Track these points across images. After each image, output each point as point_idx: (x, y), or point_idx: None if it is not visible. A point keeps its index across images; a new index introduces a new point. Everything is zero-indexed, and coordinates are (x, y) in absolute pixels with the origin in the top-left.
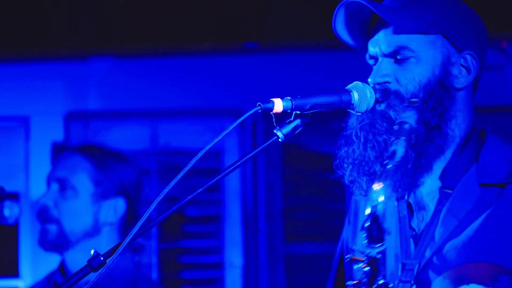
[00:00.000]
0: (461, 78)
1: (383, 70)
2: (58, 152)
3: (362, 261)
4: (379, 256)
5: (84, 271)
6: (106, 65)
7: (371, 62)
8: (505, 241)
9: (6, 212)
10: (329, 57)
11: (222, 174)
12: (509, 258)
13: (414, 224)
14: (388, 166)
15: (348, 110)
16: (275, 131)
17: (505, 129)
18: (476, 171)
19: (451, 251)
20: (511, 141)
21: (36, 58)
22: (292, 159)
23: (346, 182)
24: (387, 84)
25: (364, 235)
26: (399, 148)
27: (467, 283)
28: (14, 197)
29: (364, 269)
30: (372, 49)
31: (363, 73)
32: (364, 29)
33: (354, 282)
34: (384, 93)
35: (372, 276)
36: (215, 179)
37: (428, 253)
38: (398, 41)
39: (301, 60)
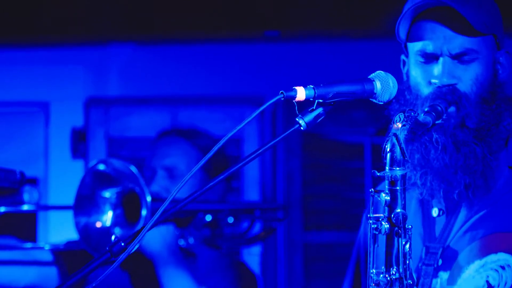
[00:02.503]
0: (501, 75)
1: (451, 71)
2: (161, 136)
3: (384, 191)
4: (399, 179)
5: (105, 256)
6: (127, 51)
7: (420, 59)
8: None
9: (26, 197)
10: (350, 46)
11: (243, 162)
12: None
13: (442, 206)
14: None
15: (370, 99)
16: (297, 119)
17: None
18: (506, 155)
19: (478, 223)
20: None
21: (57, 44)
22: (312, 148)
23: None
24: (456, 85)
25: (387, 157)
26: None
27: (495, 252)
28: (34, 182)
29: (385, 198)
30: (434, 47)
31: (385, 63)
32: (409, 22)
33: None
34: (456, 95)
35: (391, 205)
36: (235, 167)
37: (454, 229)
38: (466, 43)
39: (322, 49)
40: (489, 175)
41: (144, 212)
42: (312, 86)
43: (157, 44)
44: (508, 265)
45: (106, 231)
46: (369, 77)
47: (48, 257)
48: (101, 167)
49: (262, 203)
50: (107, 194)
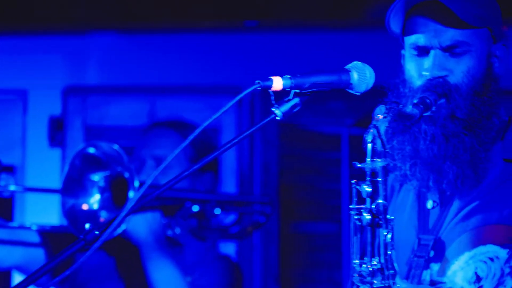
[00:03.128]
0: (497, 68)
1: (441, 63)
2: (149, 128)
3: (365, 182)
4: (380, 170)
5: (79, 244)
6: (106, 41)
7: (413, 52)
8: None
9: (2, 184)
10: (328, 36)
11: (219, 151)
12: None
13: (436, 197)
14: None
15: (347, 90)
16: (273, 109)
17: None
18: (501, 148)
19: (469, 215)
20: None
21: (36, 32)
22: (289, 139)
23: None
24: (446, 77)
25: (367, 149)
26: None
27: (484, 244)
28: (10, 170)
29: (366, 189)
30: (425, 40)
31: (363, 54)
32: (402, 16)
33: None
34: (445, 87)
35: (372, 196)
36: (211, 156)
37: (446, 221)
38: (456, 35)
39: (300, 39)
40: (480, 166)
41: (131, 196)
42: (288, 76)
43: (136, 34)
44: (497, 257)
45: (93, 214)
46: (346, 67)
47: (35, 238)
48: (91, 150)
49: (249, 197)
50: (95, 177)
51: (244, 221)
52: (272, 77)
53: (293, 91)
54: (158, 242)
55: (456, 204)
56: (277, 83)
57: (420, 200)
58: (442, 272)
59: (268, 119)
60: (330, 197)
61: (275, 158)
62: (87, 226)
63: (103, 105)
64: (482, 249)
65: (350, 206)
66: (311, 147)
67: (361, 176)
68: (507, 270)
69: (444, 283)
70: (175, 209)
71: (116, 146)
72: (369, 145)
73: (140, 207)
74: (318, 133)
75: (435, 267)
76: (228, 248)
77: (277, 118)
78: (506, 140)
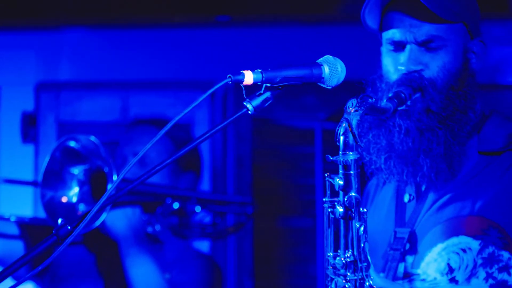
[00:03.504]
0: (474, 64)
1: (417, 58)
2: (132, 125)
3: (338, 175)
4: (352, 163)
5: (51, 240)
6: (78, 36)
7: (390, 47)
8: (496, 198)
9: None
10: (301, 31)
11: (191, 146)
12: (498, 213)
13: (412, 191)
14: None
15: (318, 83)
16: (244, 103)
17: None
18: (477, 141)
19: (442, 207)
20: None
21: (8, 28)
22: (262, 133)
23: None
24: (422, 72)
25: (340, 141)
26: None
27: (457, 235)
28: None
29: (339, 182)
30: (400, 35)
31: (335, 48)
32: (378, 13)
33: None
34: (421, 81)
35: (345, 189)
36: (183, 151)
37: (421, 213)
38: (432, 30)
39: (273, 34)
40: (454, 159)
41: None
42: (260, 70)
43: (108, 29)
44: (469, 248)
45: (71, 207)
46: (318, 61)
47: (14, 230)
48: (71, 143)
49: (230, 197)
50: (75, 170)
51: (224, 221)
52: (243, 71)
53: (264, 85)
54: (137, 237)
55: (431, 197)
56: (248, 77)
57: (398, 194)
58: (416, 264)
59: (240, 113)
60: (304, 192)
61: (249, 153)
62: (59, 221)
63: (75, 100)
64: (454, 240)
65: (324, 199)
66: (284, 142)
67: (334, 169)
68: (479, 261)
69: (417, 274)
70: (155, 205)
71: (96, 140)
72: (341, 138)
73: (119, 202)
74: (291, 127)
75: (409, 259)
76: (202, 244)
77: (248, 112)
78: (482, 134)
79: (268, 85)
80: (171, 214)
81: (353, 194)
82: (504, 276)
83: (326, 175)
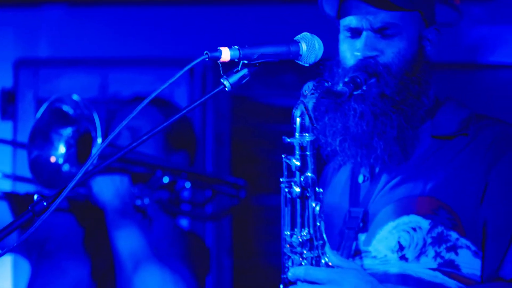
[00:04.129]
0: (429, 51)
1: (372, 44)
2: (131, 101)
3: (294, 157)
4: (308, 145)
5: (27, 216)
6: (58, 13)
7: (347, 34)
8: (447, 180)
9: None
10: (279, 9)
11: (167, 122)
12: (448, 194)
13: (367, 172)
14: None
15: (296, 61)
16: (222, 80)
17: (458, 85)
18: (431, 126)
19: (394, 187)
20: (468, 106)
21: None
22: (241, 111)
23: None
24: (377, 58)
25: (296, 123)
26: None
27: (407, 214)
28: None
29: (295, 163)
30: (357, 22)
31: (313, 26)
32: (337, 1)
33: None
34: (376, 67)
35: (301, 169)
36: (160, 127)
37: (374, 193)
38: (387, 17)
39: (252, 11)
40: (407, 143)
41: (93, 153)
42: (237, 47)
43: (88, 6)
44: (419, 227)
45: (57, 168)
46: (295, 38)
47: None
48: (62, 105)
49: (224, 176)
50: (63, 131)
51: (214, 201)
52: (220, 48)
53: (241, 62)
54: (124, 207)
55: (384, 178)
56: (225, 54)
57: (353, 175)
58: (368, 242)
59: (217, 90)
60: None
61: (228, 131)
62: (35, 197)
63: (55, 77)
64: (405, 219)
65: (281, 179)
66: (263, 120)
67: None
68: (429, 240)
69: (369, 252)
70: (145, 178)
71: (86, 102)
72: (298, 120)
73: (107, 169)
74: (270, 105)
75: (362, 237)
76: (181, 221)
77: (226, 89)
78: (436, 119)
79: (245, 62)
80: (161, 188)
81: (309, 174)
82: (451, 255)
83: (283, 156)
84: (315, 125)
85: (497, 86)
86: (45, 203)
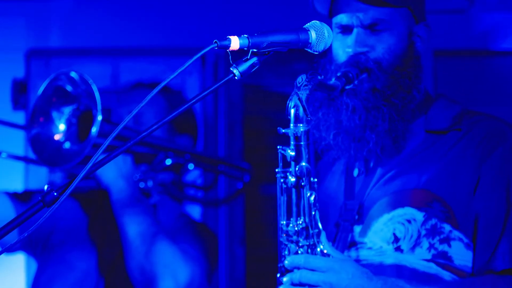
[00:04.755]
0: (420, 46)
1: (363, 40)
2: (133, 87)
3: (289, 147)
4: (302, 135)
5: (37, 206)
6: (69, 3)
7: (338, 31)
8: (440, 173)
9: None
10: None
11: (177, 111)
12: (442, 188)
13: (362, 166)
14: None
15: (305, 49)
16: (231, 69)
17: (469, 72)
18: (424, 121)
19: (389, 180)
20: (460, 103)
21: None
22: (253, 100)
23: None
24: (368, 53)
25: (290, 114)
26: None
27: (402, 207)
28: None
29: (290, 153)
30: (347, 19)
31: (322, 15)
32: (328, 0)
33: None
34: (367, 62)
35: (296, 159)
36: (170, 116)
37: (370, 186)
38: (377, 14)
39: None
40: (399, 135)
41: (93, 131)
42: (246, 36)
43: None
44: (414, 219)
45: (58, 146)
46: (304, 26)
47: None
48: (61, 82)
49: (227, 158)
50: (63, 109)
51: (217, 185)
52: (229, 37)
53: (251, 51)
54: (128, 187)
55: (379, 172)
56: (235, 42)
57: (348, 169)
58: (364, 233)
59: (227, 78)
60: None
61: (240, 119)
62: (45, 187)
63: (66, 67)
64: (400, 211)
65: (276, 170)
66: (275, 109)
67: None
68: (423, 232)
69: (364, 243)
70: (148, 159)
71: (90, 80)
72: (292, 112)
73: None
74: (282, 94)
75: (357, 229)
76: (194, 210)
77: (235, 77)
78: (430, 115)
79: (255, 50)
80: (164, 170)
81: (304, 164)
82: (444, 247)
83: (278, 147)
84: (309, 116)
85: (509, 73)
86: (55, 193)
